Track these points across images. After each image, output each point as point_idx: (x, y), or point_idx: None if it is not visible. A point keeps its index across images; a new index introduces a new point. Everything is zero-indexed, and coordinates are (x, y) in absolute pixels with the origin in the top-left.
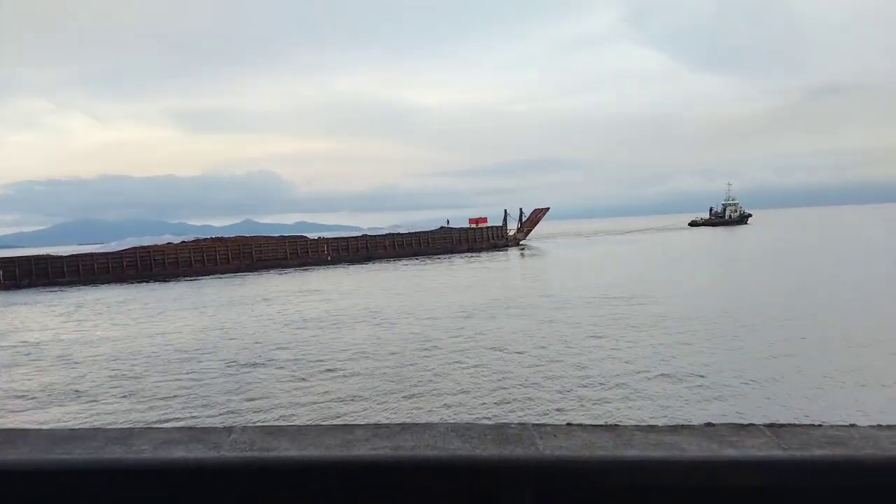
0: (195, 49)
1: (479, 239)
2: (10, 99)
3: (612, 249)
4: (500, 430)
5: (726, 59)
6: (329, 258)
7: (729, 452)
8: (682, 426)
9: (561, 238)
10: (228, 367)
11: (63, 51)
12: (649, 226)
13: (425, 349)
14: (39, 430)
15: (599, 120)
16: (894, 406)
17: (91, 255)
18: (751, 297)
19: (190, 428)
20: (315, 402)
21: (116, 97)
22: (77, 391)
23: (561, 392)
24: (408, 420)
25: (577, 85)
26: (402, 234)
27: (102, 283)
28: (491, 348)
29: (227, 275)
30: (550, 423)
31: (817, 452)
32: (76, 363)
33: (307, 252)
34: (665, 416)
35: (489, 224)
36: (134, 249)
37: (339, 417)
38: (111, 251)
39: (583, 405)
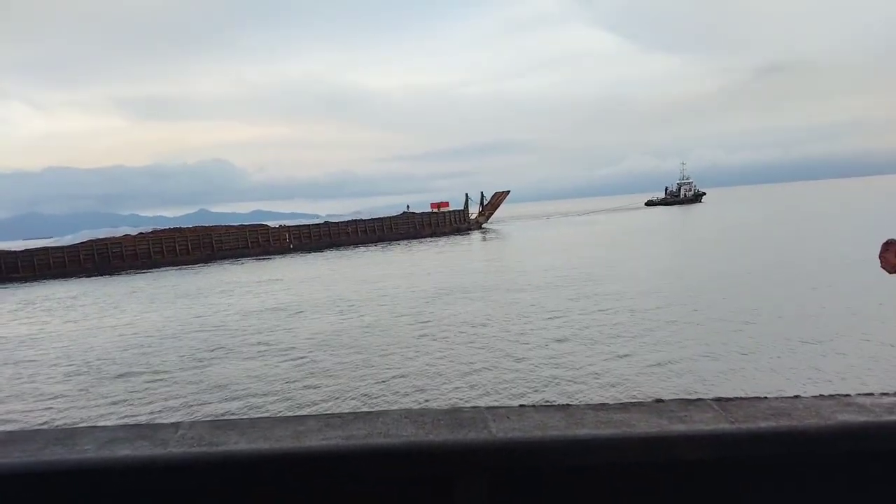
0: (141, 33)
1: (442, 223)
2: None
3: (572, 231)
4: (454, 415)
5: (676, 39)
6: (291, 246)
7: (678, 427)
8: (633, 403)
9: (521, 220)
10: (185, 360)
11: None
12: (607, 206)
13: (387, 336)
14: None
15: (554, 101)
16: (836, 376)
17: (46, 249)
18: (706, 274)
19: (136, 425)
20: (273, 394)
21: (58, 84)
22: (21, 392)
23: (519, 372)
24: (362, 408)
25: (531, 66)
26: (364, 220)
27: (59, 278)
28: (454, 333)
29: (187, 266)
30: (503, 405)
31: (763, 424)
32: (23, 361)
33: (269, 241)
34: (617, 394)
35: (451, 208)
36: (91, 242)
37: (302, 408)
38: (67, 245)
39: (538, 385)
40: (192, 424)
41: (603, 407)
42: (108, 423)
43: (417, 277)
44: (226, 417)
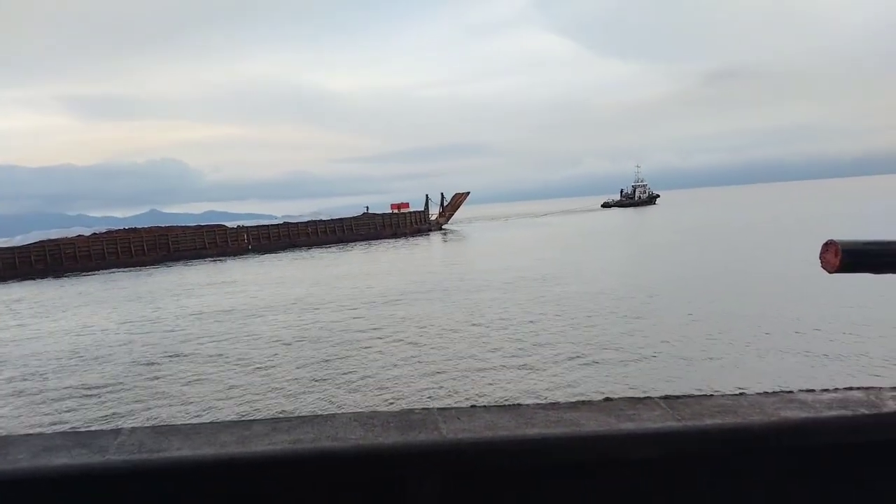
0: (95, 31)
1: (403, 224)
2: None
3: (531, 232)
4: (404, 417)
5: (630, 45)
6: (250, 247)
7: (626, 426)
8: (582, 402)
9: (480, 222)
10: (132, 366)
11: None
12: (564, 208)
13: (344, 337)
14: None
15: (512, 104)
16: (780, 372)
17: None
18: (657, 275)
19: (73, 432)
20: (223, 399)
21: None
22: None
23: (474, 372)
24: (312, 412)
25: (490, 70)
26: (324, 220)
27: (9, 280)
28: (414, 334)
29: (143, 267)
30: (454, 406)
31: (709, 421)
32: None
33: (226, 241)
34: (567, 393)
35: (411, 209)
36: (42, 243)
37: (251, 413)
38: (17, 245)
39: (492, 385)
40: (133, 430)
41: (553, 406)
42: (45, 431)
43: (377, 278)
44: (168, 423)
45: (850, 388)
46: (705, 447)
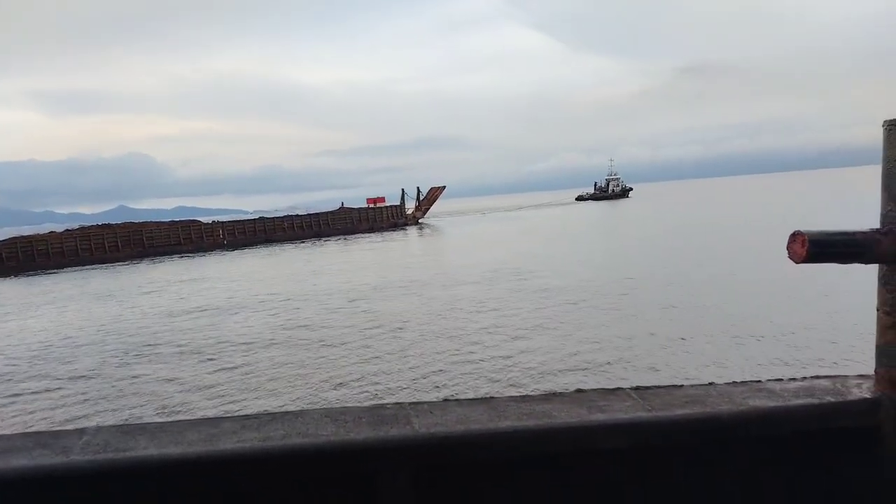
0: (63, 25)
1: (379, 219)
2: None
3: (507, 226)
4: (376, 412)
5: (602, 41)
6: (225, 242)
7: (598, 417)
8: (555, 394)
9: (456, 216)
10: (101, 364)
11: None
12: (540, 202)
13: (321, 333)
14: None
15: (488, 100)
16: (749, 362)
17: None
18: (630, 267)
19: (35, 433)
20: (192, 397)
21: None
22: None
23: (450, 365)
24: (281, 409)
25: (465, 64)
26: (300, 215)
27: None
28: (387, 328)
29: (117, 263)
30: (427, 400)
31: (678, 412)
32: None
33: (202, 237)
34: (540, 385)
35: (387, 203)
36: (14, 240)
37: (226, 410)
38: None
39: (466, 378)
40: (98, 430)
41: (525, 399)
42: (4, 432)
43: (354, 274)
44: (134, 422)
45: (817, 377)
46: (676, 437)
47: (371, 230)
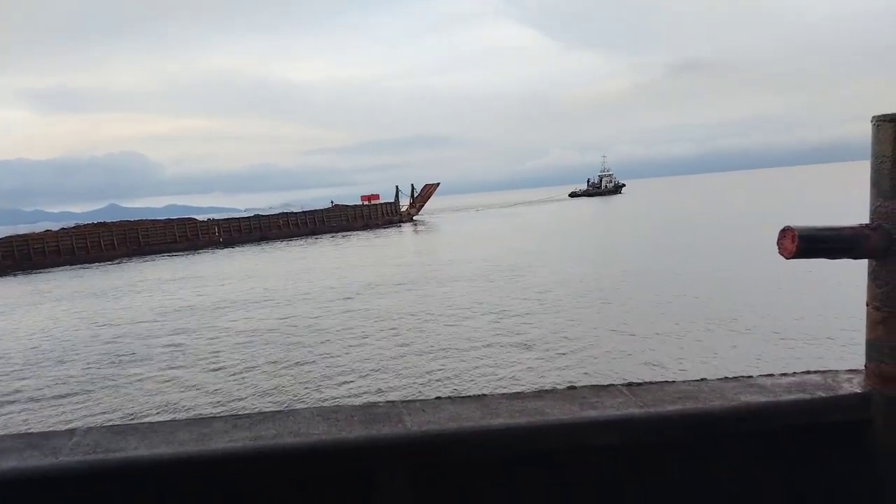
0: (55, 23)
1: (374, 216)
2: None
3: (502, 222)
4: (368, 410)
5: (594, 37)
6: (221, 240)
7: (590, 413)
8: (547, 391)
9: (450, 213)
10: (95, 364)
11: None
12: (533, 198)
13: (316, 331)
14: None
15: (480, 96)
16: (740, 358)
17: None
18: (623, 263)
19: (24, 434)
20: (184, 397)
21: None
22: None
23: (439, 362)
24: (274, 407)
25: (457, 62)
26: (295, 213)
27: None
28: (382, 325)
29: (113, 262)
30: (419, 398)
31: (670, 408)
32: None
33: (197, 235)
34: (533, 381)
35: (381, 200)
36: (9, 238)
37: (218, 409)
38: None
39: (458, 374)
40: (88, 431)
41: (518, 396)
42: None
43: (349, 271)
44: (125, 422)
45: (808, 372)
46: (668, 433)
47: (366, 227)
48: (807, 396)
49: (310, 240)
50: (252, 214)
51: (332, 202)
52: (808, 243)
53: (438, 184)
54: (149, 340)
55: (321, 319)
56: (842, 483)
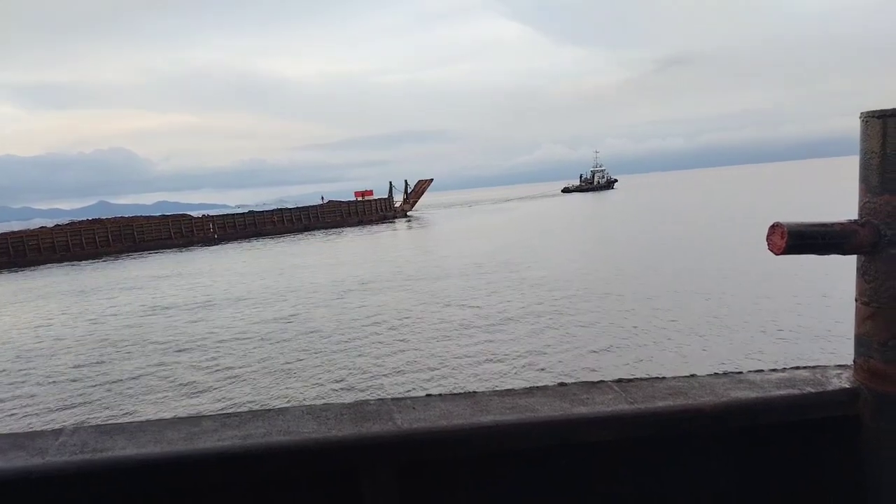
0: (34, 16)
1: (369, 212)
2: None
3: (494, 218)
4: (358, 408)
5: (584, 32)
6: (215, 236)
7: (580, 410)
8: (537, 388)
9: (444, 209)
10: (83, 363)
11: None
12: (526, 193)
13: (310, 327)
14: None
15: (470, 91)
16: (730, 354)
17: None
18: (616, 260)
19: (10, 434)
20: (174, 395)
21: None
22: None
23: (436, 359)
24: (263, 406)
25: (448, 56)
26: (289, 209)
27: None
28: (377, 321)
29: (108, 258)
30: (410, 395)
31: (660, 404)
32: None
33: (192, 231)
34: (523, 378)
35: (375, 196)
36: (4, 235)
37: (207, 408)
38: None
39: (450, 371)
40: (75, 430)
41: (508, 393)
42: None
43: (343, 267)
44: (113, 422)
45: (797, 368)
46: (657, 429)
47: (360, 223)
48: (796, 392)
49: (304, 236)
50: (244, 211)
51: (322, 198)
52: (797, 239)
53: (432, 180)
54: (141, 337)
55: (314, 316)
56: (831, 478)
